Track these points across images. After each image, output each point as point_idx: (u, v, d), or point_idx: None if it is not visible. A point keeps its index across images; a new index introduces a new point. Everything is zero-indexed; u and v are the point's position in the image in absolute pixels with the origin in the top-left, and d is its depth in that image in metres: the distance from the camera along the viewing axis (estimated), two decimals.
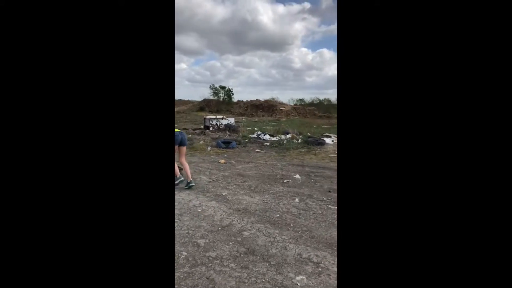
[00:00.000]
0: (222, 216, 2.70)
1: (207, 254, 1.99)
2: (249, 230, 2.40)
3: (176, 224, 2.49)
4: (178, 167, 3.82)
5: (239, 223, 2.53)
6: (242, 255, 1.98)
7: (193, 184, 3.64)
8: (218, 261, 1.90)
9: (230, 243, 2.16)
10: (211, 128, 10.19)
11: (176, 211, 2.79)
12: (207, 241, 2.19)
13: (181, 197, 3.23)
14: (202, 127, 10.93)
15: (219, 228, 2.43)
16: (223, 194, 3.37)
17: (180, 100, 40.75)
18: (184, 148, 3.72)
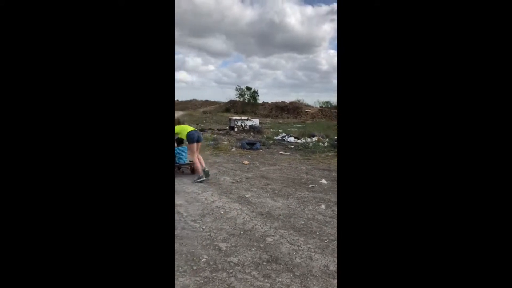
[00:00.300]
0: (244, 219, 2.63)
1: (228, 259, 1.92)
2: (273, 236, 2.30)
3: (198, 225, 2.46)
4: (191, 161, 4.18)
5: (262, 228, 2.44)
6: (264, 263, 1.89)
7: (207, 169, 3.98)
8: (239, 268, 1.82)
9: (253, 248, 2.08)
10: (235, 129, 10.22)
11: (198, 212, 2.76)
12: (228, 245, 2.12)
13: (204, 197, 3.21)
14: (227, 127, 11.01)
15: (242, 232, 2.35)
16: (246, 196, 3.30)
17: (206, 101, 41.69)
18: (199, 144, 4.14)
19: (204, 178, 3.87)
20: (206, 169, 3.94)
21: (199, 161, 3.98)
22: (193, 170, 4.30)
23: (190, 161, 4.28)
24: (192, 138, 3.97)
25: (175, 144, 4.25)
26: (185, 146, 4.29)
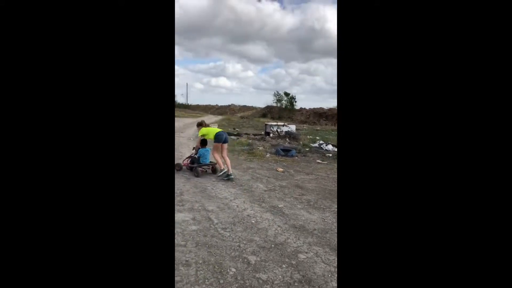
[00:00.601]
0: (276, 231, 2.49)
1: (257, 275, 1.79)
2: (306, 252, 2.13)
3: (228, 234, 2.38)
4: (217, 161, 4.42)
5: (294, 243, 2.28)
6: (296, 283, 1.73)
7: (232, 176, 4.14)
8: (268, 287, 1.69)
9: (283, 265, 1.93)
10: (271, 135, 10.12)
11: (229, 220, 2.69)
12: (258, 259, 2.00)
13: (236, 204, 3.14)
14: (262, 133, 10.97)
15: (272, 245, 2.21)
16: (279, 206, 3.15)
17: (244, 106, 42.44)
18: (226, 145, 4.39)
19: (224, 171, 4.21)
20: (232, 176, 4.14)
21: (227, 163, 4.25)
22: (214, 171, 4.49)
23: (211, 161, 4.52)
24: (220, 138, 4.26)
25: (199, 146, 4.50)
26: (208, 148, 4.55)
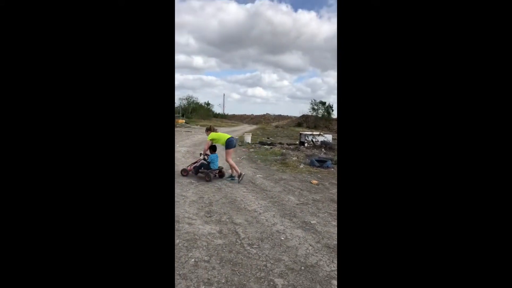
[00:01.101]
0: (307, 250, 2.27)
1: None
2: None
3: (254, 251, 2.22)
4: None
5: (328, 266, 2.04)
6: None
7: (237, 178, 4.49)
8: None
9: None
10: (306, 144, 9.81)
11: (257, 235, 2.53)
12: (285, 282, 1.81)
13: (265, 217, 2.98)
14: (297, 142, 10.70)
15: (302, 267, 2.00)
16: (312, 222, 2.92)
17: (279, 115, 42.47)
18: (233, 149, 4.60)
19: (237, 179, 4.43)
20: (243, 174, 4.55)
21: (233, 166, 4.49)
22: (221, 175, 4.68)
23: (219, 167, 4.67)
24: (231, 144, 4.43)
25: (209, 151, 4.63)
26: (216, 154, 4.69)
